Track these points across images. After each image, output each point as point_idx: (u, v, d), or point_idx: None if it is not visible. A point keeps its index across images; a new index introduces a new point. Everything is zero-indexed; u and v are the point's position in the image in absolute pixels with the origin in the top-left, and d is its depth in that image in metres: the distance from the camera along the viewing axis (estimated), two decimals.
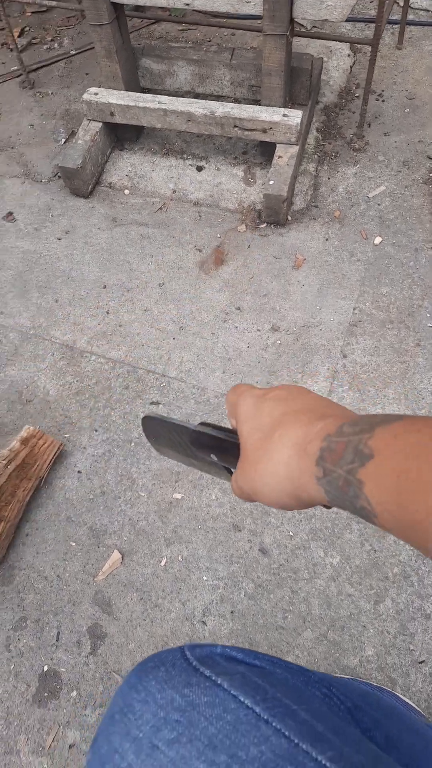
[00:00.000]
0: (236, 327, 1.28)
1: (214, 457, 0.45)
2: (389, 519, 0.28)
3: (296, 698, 0.36)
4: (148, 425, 0.50)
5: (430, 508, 0.25)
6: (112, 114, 1.46)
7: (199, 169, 1.53)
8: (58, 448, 1.10)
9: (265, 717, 0.34)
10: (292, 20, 1.24)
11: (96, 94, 1.45)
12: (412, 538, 0.27)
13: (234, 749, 0.32)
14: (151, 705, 0.36)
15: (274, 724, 0.34)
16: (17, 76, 1.82)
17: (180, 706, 0.35)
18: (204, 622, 0.97)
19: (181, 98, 1.41)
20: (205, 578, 1.01)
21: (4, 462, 1.03)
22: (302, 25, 1.80)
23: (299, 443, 0.34)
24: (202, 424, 0.45)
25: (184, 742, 0.33)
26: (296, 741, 0.33)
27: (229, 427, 0.45)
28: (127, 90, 1.48)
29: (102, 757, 0.36)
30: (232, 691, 0.36)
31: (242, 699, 0.36)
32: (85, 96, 1.45)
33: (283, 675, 0.39)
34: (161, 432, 0.49)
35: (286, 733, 0.34)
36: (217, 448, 0.44)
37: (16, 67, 1.84)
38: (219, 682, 0.37)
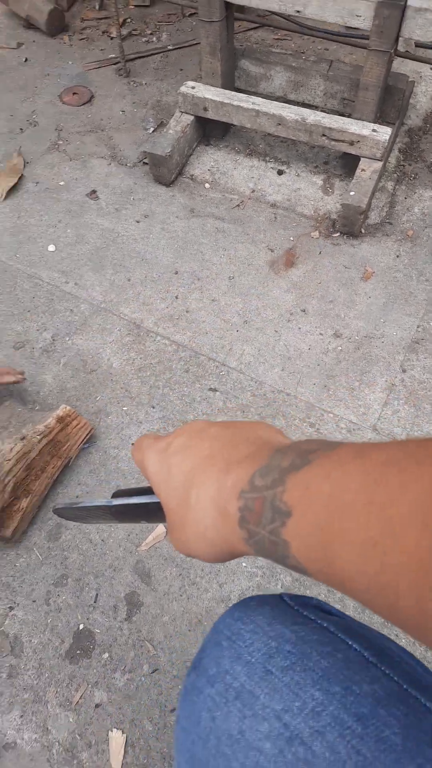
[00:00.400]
0: (299, 328, 1.30)
1: (144, 522, 0.45)
2: (323, 576, 0.26)
3: (394, 653, 0.38)
4: (63, 514, 0.49)
5: (359, 565, 0.23)
6: (205, 109, 1.50)
7: (280, 173, 1.56)
8: (90, 432, 1.12)
9: (373, 661, 0.36)
10: (398, 38, 1.26)
11: (193, 87, 1.49)
12: (350, 594, 0.25)
13: (348, 683, 0.34)
14: (261, 635, 0.38)
15: (382, 668, 0.35)
16: (114, 64, 1.88)
17: (291, 640, 0.37)
18: None
19: (274, 102, 1.45)
20: (244, 564, 1.02)
21: (38, 437, 1.05)
22: None
23: (217, 503, 0.33)
24: (117, 494, 0.43)
25: (298, 671, 0.35)
26: (405, 686, 0.35)
27: (146, 484, 0.43)
28: (222, 88, 1.52)
29: (211, 678, 0.37)
30: (339, 634, 0.38)
31: (350, 642, 0.37)
32: (182, 89, 1.50)
33: (376, 632, 0.40)
34: (80, 514, 0.48)
35: (395, 678, 0.35)
36: (143, 514, 0.43)
37: (114, 55, 1.91)
38: (325, 625, 0.39)
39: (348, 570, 0.24)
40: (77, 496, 1.10)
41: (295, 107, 1.43)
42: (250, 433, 0.36)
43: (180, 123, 1.54)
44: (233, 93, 1.48)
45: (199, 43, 1.90)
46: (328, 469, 0.26)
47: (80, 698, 0.92)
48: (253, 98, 1.46)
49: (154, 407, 1.21)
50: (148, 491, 0.42)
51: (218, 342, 1.29)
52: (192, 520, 0.34)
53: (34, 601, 1.00)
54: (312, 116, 1.41)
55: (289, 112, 1.42)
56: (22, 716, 0.91)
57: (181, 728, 0.39)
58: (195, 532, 0.34)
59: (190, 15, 2.04)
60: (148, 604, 0.99)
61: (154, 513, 0.42)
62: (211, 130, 1.62)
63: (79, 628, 0.98)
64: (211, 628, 0.43)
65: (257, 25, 1.88)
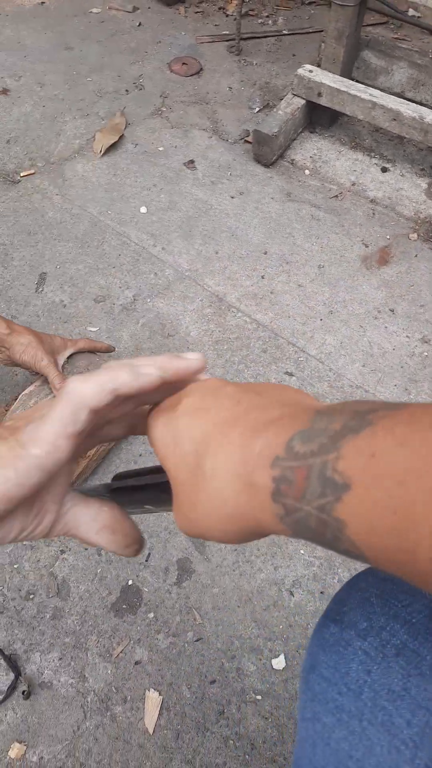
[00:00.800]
0: (386, 327, 1.27)
1: (150, 507, 0.38)
2: (393, 566, 0.21)
3: None
4: None
5: None
6: (319, 94, 1.47)
7: (384, 170, 1.52)
8: None
9: None
10: None
11: (311, 71, 1.47)
12: (426, 588, 0.21)
13: None
14: (420, 598, 0.35)
15: None
16: (227, 40, 1.87)
17: None
18: (291, 593, 0.96)
19: (392, 96, 1.41)
20: (302, 552, 1.00)
21: None
22: None
23: (240, 474, 0.27)
24: (117, 477, 0.38)
25: None
26: None
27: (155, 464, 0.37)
28: (341, 76, 1.49)
29: (362, 632, 0.35)
30: None
31: None
32: (300, 71, 1.48)
33: None
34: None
35: None
36: (148, 498, 0.37)
37: (227, 32, 1.90)
38: None
39: None
40: (140, 455, 1.10)
41: (414, 104, 1.40)
42: (279, 395, 0.30)
43: (290, 105, 1.52)
44: (351, 82, 1.45)
45: (315, 32, 1.88)
46: (401, 434, 0.21)
47: (121, 652, 0.91)
48: (371, 90, 1.43)
49: None
50: (155, 470, 0.36)
51: (300, 327, 1.27)
52: (206, 495, 0.28)
53: (85, 549, 1.00)
54: (431, 116, 1.37)
55: (407, 109, 1.38)
56: (61, 659, 0.90)
57: (322, 678, 0.37)
58: (209, 508, 0.28)
59: (309, 3, 2.02)
60: (200, 573, 0.98)
61: (160, 496, 0.35)
62: (318, 118, 1.59)
63: (127, 583, 0.97)
64: (345, 584, 0.41)
65: (382, 21, 1.85)
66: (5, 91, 1.70)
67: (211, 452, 0.28)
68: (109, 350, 1.09)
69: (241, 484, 0.27)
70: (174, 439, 0.30)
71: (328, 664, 0.36)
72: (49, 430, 0.29)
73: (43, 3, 2.02)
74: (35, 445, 0.29)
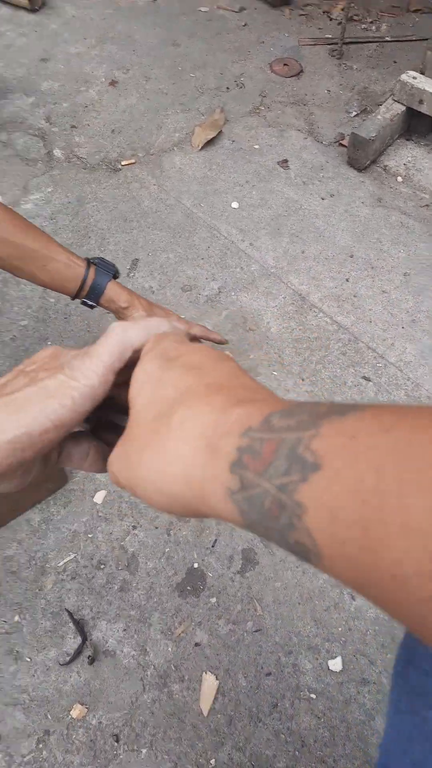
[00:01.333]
0: None
1: (86, 426, 0.38)
2: (345, 566, 0.19)
3: None
4: None
5: (427, 564, 0.16)
6: (420, 101, 1.45)
7: None
8: None
9: None
10: None
11: (415, 78, 1.45)
12: (382, 602, 0.18)
13: None
14: None
15: None
16: (329, 44, 1.87)
17: None
18: (353, 597, 0.95)
19: None
20: None
21: None
22: None
23: (207, 435, 0.24)
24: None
25: None
26: None
27: None
28: None
29: None
30: None
31: None
32: (403, 77, 1.46)
33: None
34: None
35: None
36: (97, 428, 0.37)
37: (330, 36, 1.90)
38: None
39: (405, 567, 0.17)
40: None
41: None
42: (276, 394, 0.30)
43: (390, 111, 1.50)
44: None
45: (419, 40, 1.85)
46: (387, 420, 0.19)
47: (182, 632, 0.93)
48: None
49: (303, 380, 1.19)
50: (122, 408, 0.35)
51: (381, 333, 1.25)
52: (161, 444, 0.26)
53: (156, 528, 1.02)
54: None
55: None
56: (125, 630, 0.93)
57: (422, 671, 0.37)
58: (158, 458, 0.26)
59: (415, 11, 1.99)
60: (264, 565, 0.99)
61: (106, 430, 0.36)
62: (416, 126, 1.57)
63: (193, 566, 0.99)
64: None
65: None
66: (114, 83, 1.76)
67: (187, 405, 0.26)
68: (221, 342, 1.09)
69: (203, 444, 0.24)
70: (159, 381, 0.29)
71: (430, 658, 0.36)
72: (100, 363, 0.31)
73: (155, 0, 2.07)
74: (87, 377, 0.31)
